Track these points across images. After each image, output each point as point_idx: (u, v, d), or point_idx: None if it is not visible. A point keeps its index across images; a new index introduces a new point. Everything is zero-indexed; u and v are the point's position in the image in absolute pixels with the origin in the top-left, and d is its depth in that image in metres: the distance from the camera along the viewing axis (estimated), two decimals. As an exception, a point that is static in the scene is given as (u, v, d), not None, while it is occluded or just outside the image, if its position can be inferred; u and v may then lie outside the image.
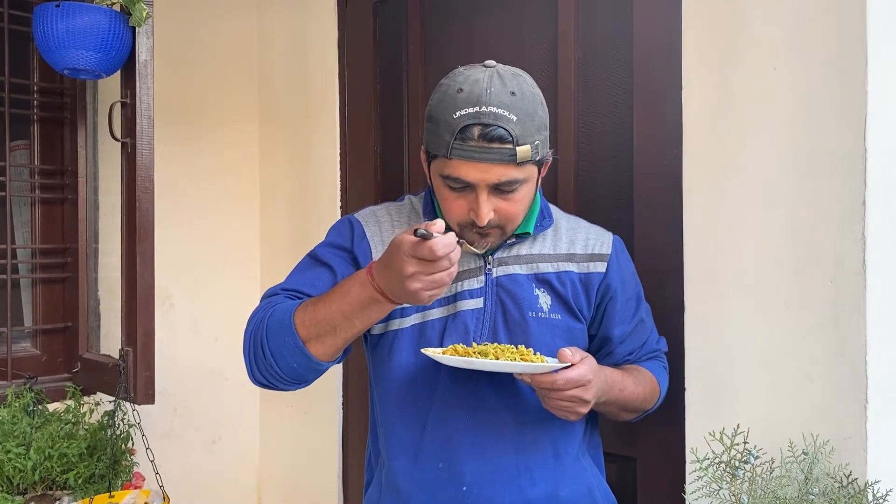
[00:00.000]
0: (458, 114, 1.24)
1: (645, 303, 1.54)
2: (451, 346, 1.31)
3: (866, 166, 1.33)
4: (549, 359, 1.30)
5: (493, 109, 1.23)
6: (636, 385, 1.40)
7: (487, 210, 1.29)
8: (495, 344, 1.32)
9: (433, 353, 1.26)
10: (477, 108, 1.23)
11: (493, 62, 1.31)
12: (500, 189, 1.29)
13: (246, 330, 1.32)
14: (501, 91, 1.25)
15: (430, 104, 1.32)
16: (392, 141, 2.45)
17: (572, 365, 1.23)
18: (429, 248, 1.09)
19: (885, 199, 1.35)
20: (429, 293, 1.14)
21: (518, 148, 1.25)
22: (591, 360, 1.27)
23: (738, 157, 1.51)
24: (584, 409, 1.27)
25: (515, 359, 1.24)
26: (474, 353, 1.26)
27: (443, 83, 1.32)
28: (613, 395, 1.35)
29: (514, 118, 1.24)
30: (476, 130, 1.24)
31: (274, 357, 1.26)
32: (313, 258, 1.44)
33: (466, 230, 1.34)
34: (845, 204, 1.35)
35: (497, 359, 1.23)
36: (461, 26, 2.20)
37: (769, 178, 1.46)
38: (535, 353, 1.30)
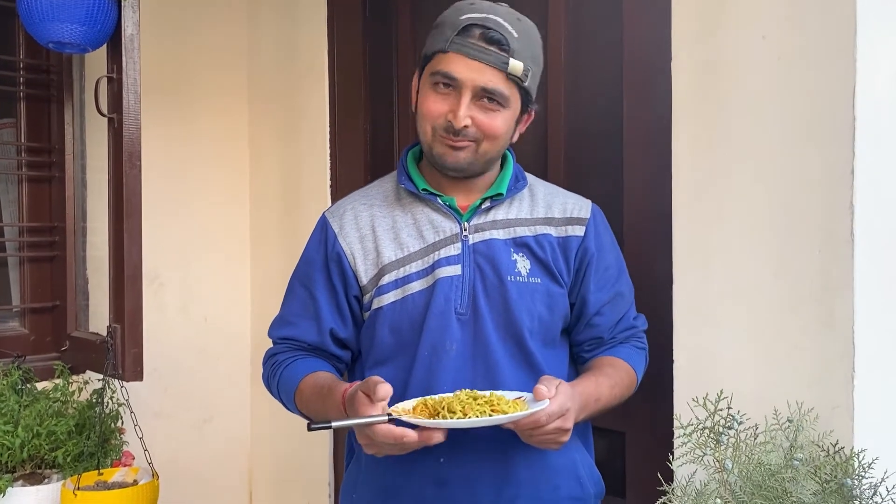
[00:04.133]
0: (464, 16, 1.32)
1: (627, 278, 1.51)
2: (420, 399, 1.27)
3: (855, 135, 1.31)
4: (523, 394, 1.26)
5: (499, 20, 1.31)
6: (612, 388, 1.37)
7: (466, 112, 1.32)
8: (466, 391, 1.27)
9: (408, 418, 1.20)
10: (484, 15, 1.32)
11: (504, 3, 1.38)
12: (484, 100, 1.32)
13: (262, 376, 1.53)
14: (509, 14, 1.34)
15: (438, 18, 1.38)
16: (381, 118, 2.43)
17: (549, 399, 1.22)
18: (372, 431, 1.17)
19: (874, 167, 1.34)
20: (368, 451, 1.23)
21: (512, 59, 1.30)
22: (565, 385, 1.25)
23: (726, 127, 1.50)
24: (567, 438, 1.25)
25: (487, 412, 1.20)
26: (443, 404, 1.22)
27: (454, 4, 1.39)
28: (589, 410, 1.33)
29: (516, 35, 1.31)
30: (478, 31, 1.31)
31: (290, 410, 1.46)
32: (296, 279, 1.51)
33: (438, 140, 1.36)
34: (833, 173, 1.34)
35: (466, 411, 1.20)
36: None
37: (757, 148, 1.45)
38: (504, 396, 1.26)
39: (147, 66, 2.17)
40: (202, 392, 2.83)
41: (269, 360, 1.49)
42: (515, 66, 1.31)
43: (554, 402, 1.19)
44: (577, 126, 1.89)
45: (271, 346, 1.52)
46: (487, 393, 1.26)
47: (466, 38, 1.30)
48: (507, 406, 1.21)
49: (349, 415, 1.22)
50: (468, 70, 1.30)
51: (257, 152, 2.92)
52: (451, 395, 1.26)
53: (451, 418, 1.18)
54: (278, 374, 1.43)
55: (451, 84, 1.32)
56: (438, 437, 1.18)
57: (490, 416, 1.18)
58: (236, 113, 2.91)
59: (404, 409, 1.23)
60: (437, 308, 1.36)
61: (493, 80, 1.31)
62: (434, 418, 1.19)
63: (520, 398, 1.25)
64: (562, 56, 1.88)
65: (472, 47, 1.30)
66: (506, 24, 1.30)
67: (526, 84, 1.34)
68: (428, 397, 1.26)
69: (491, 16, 1.31)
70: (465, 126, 1.32)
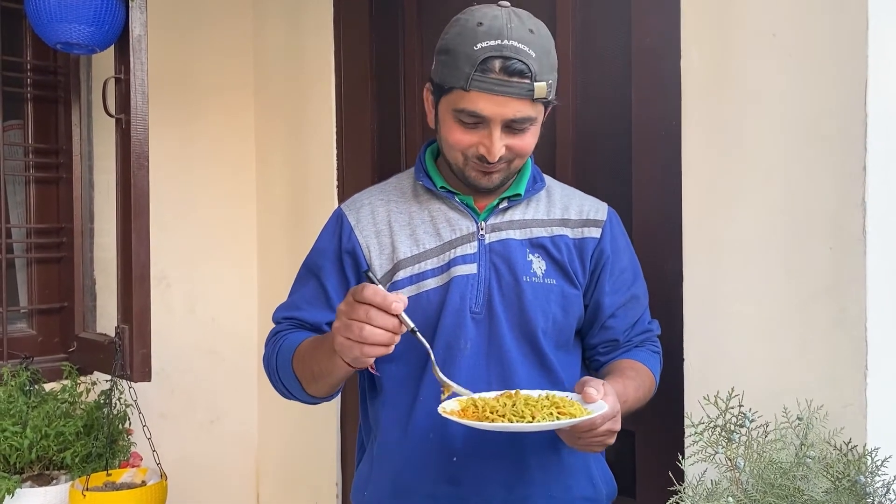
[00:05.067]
0: (479, 46, 1.24)
1: (642, 282, 1.51)
2: (469, 397, 1.23)
3: (867, 131, 1.31)
4: (567, 394, 1.23)
5: (515, 43, 1.23)
6: (636, 390, 1.36)
7: (499, 146, 1.29)
8: (516, 392, 1.23)
9: (467, 422, 1.16)
10: (499, 41, 1.23)
11: (506, 2, 1.31)
12: (512, 126, 1.29)
13: (263, 358, 1.45)
14: (521, 27, 1.26)
15: (445, 38, 1.31)
16: (388, 119, 2.43)
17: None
18: (359, 287, 1.12)
19: (886, 164, 1.33)
20: (340, 339, 1.13)
21: (536, 84, 1.25)
22: (609, 386, 1.23)
23: (737, 124, 1.49)
24: (613, 440, 1.22)
25: (555, 414, 1.15)
26: (496, 405, 1.18)
27: (459, 18, 1.31)
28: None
29: (534, 54, 1.25)
30: (497, 63, 1.23)
31: (288, 390, 1.39)
32: (306, 269, 1.48)
33: (470, 165, 1.34)
34: (845, 169, 1.33)
35: (534, 414, 1.15)
36: (457, 4, 2.17)
37: (769, 145, 1.44)
38: (566, 397, 1.21)
39: (154, 66, 2.18)
40: (209, 393, 2.83)
41: (272, 338, 1.44)
42: (540, 89, 1.26)
43: (609, 404, 1.18)
44: (586, 125, 1.88)
45: (274, 327, 1.48)
46: (543, 393, 1.22)
47: (487, 74, 1.23)
48: (571, 407, 1.17)
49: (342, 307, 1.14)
50: (494, 105, 1.25)
51: (264, 153, 2.92)
52: (493, 396, 1.22)
53: (521, 422, 1.14)
54: (279, 344, 1.39)
55: (478, 120, 1.28)
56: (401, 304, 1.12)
57: (558, 419, 1.14)
58: (242, 114, 2.92)
59: (452, 409, 1.21)
60: (452, 306, 1.35)
61: (521, 110, 1.27)
62: (491, 420, 1.15)
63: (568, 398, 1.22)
64: (570, 55, 1.87)
65: (495, 83, 1.24)
66: (523, 47, 1.23)
67: (550, 97, 1.31)
68: (476, 398, 1.23)
69: (506, 42, 1.23)
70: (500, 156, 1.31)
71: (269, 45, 2.88)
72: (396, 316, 1.12)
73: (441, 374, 1.24)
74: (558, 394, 1.23)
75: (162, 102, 2.55)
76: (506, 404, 1.18)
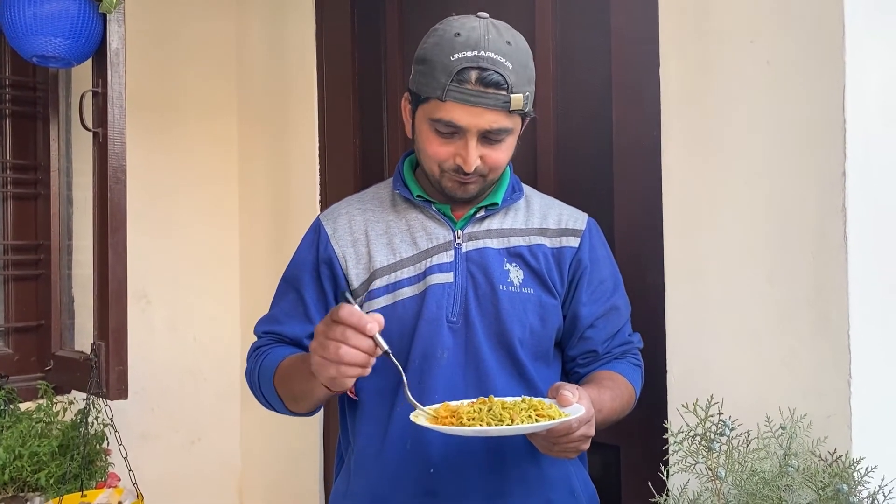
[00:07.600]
0: (455, 56, 1.24)
1: (623, 294, 1.49)
2: (442, 404, 1.21)
3: (846, 137, 1.30)
4: (547, 400, 1.20)
5: (492, 55, 1.24)
6: (612, 400, 1.33)
7: (475, 157, 1.29)
8: (489, 397, 1.21)
9: (433, 426, 1.13)
10: (475, 52, 1.24)
11: (485, 14, 1.31)
12: (488, 137, 1.29)
13: (245, 372, 1.46)
14: (498, 39, 1.26)
15: (423, 47, 1.31)
16: (371, 135, 2.42)
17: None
18: (336, 308, 1.12)
19: (865, 169, 1.32)
20: (317, 358, 1.13)
21: (512, 95, 1.25)
22: (584, 390, 1.21)
23: (716, 132, 1.48)
24: (587, 445, 1.19)
25: (533, 417, 1.13)
26: (471, 411, 1.15)
27: (437, 28, 1.31)
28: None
29: (510, 66, 1.25)
30: (474, 74, 1.24)
31: (271, 405, 1.40)
32: (286, 281, 1.48)
33: (446, 176, 1.33)
34: (825, 176, 1.32)
35: (513, 417, 1.13)
36: (439, 18, 2.17)
37: (748, 153, 1.43)
38: (543, 400, 1.19)
39: (134, 80, 2.16)
40: (191, 412, 2.79)
41: (254, 352, 1.44)
42: (517, 101, 1.26)
43: (584, 407, 1.15)
44: (567, 137, 1.87)
45: (255, 341, 1.48)
46: (519, 399, 1.20)
47: (462, 84, 1.23)
48: (549, 410, 1.15)
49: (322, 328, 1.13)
50: (470, 116, 1.25)
51: (246, 169, 2.90)
52: (466, 403, 1.20)
53: (499, 425, 1.11)
54: (260, 361, 1.39)
55: (453, 130, 1.28)
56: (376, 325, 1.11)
57: (537, 421, 1.12)
58: (225, 132, 2.90)
59: (427, 417, 1.18)
60: (428, 314, 1.34)
61: (497, 121, 1.27)
62: (471, 425, 1.12)
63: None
64: (550, 66, 1.87)
65: (471, 94, 1.24)
66: (500, 59, 1.23)
67: (527, 110, 1.31)
68: (456, 405, 1.20)
69: (482, 53, 1.23)
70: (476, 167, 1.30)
71: (251, 58, 2.87)
72: (371, 337, 1.11)
73: (412, 399, 1.21)
74: (534, 398, 1.20)
75: (143, 118, 2.53)
76: (481, 409, 1.15)
